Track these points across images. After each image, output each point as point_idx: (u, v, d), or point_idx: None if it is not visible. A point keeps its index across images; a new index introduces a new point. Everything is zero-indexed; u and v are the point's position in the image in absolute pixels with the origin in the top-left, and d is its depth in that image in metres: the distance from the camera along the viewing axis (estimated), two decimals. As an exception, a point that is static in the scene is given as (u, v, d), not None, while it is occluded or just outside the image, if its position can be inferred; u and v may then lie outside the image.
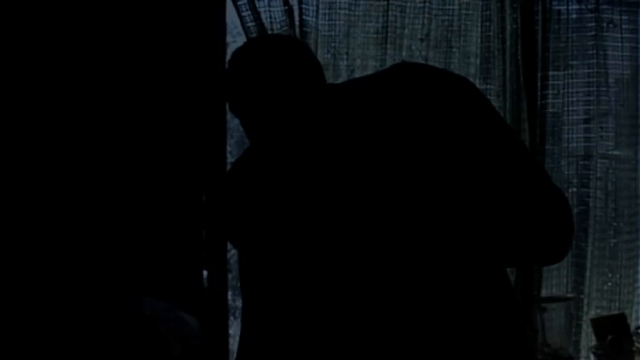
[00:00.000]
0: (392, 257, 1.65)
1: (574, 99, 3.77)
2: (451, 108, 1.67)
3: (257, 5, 3.21)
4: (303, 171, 1.71)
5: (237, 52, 1.82)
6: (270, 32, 3.19)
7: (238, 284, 3.45)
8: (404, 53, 3.48)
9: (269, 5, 3.22)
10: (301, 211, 1.70)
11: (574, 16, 3.79)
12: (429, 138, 1.65)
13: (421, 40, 3.51)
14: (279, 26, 3.21)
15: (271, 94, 1.73)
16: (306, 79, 1.75)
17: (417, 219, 1.65)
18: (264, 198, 1.73)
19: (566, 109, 3.76)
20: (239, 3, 3.19)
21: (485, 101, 1.74)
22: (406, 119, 1.67)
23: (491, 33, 3.63)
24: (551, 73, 3.74)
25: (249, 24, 3.19)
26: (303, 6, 3.27)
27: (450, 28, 3.56)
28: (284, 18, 3.22)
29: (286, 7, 3.23)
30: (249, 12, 3.19)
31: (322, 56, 3.30)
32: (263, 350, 1.77)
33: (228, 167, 1.89)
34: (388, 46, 3.43)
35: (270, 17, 3.22)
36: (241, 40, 3.26)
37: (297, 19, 3.24)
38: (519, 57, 3.67)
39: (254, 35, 3.18)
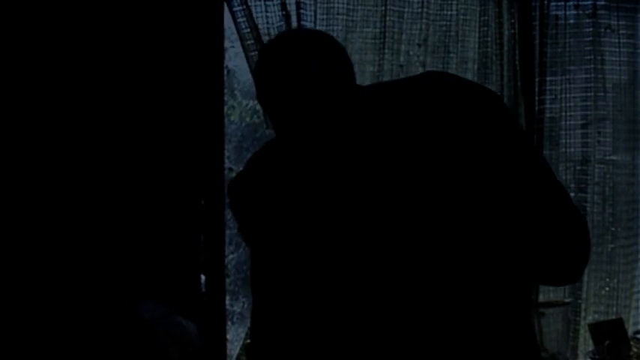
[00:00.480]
0: (407, 265, 1.65)
1: (571, 104, 3.78)
2: (479, 122, 1.66)
3: (254, 11, 3.20)
4: (324, 172, 1.70)
5: (271, 43, 1.80)
6: (267, 38, 3.19)
7: (236, 289, 3.46)
8: (401, 58, 3.48)
9: (266, 11, 3.21)
10: (319, 213, 1.68)
11: (571, 21, 3.80)
12: (454, 151, 1.64)
13: (419, 45, 3.52)
14: (276, 31, 3.20)
15: (302, 89, 1.69)
16: (338, 77, 1.71)
17: (436, 230, 1.64)
18: (282, 195, 1.72)
19: (563, 114, 3.77)
20: (235, 9, 3.18)
21: (511, 117, 1.73)
22: (433, 130, 1.65)
23: (489, 38, 3.63)
24: (548, 78, 3.74)
25: (245, 30, 3.19)
26: (301, 11, 3.26)
27: (447, 34, 3.57)
28: (281, 23, 3.22)
29: (284, 12, 3.23)
30: (245, 18, 3.18)
31: (320, 61, 3.29)
32: (273, 349, 1.76)
33: (249, 158, 1.86)
34: (386, 51, 3.44)
35: (268, 23, 3.22)
36: (239, 45, 3.26)
37: (294, 24, 3.24)
38: (517, 62, 3.68)
39: (250, 42, 3.18)
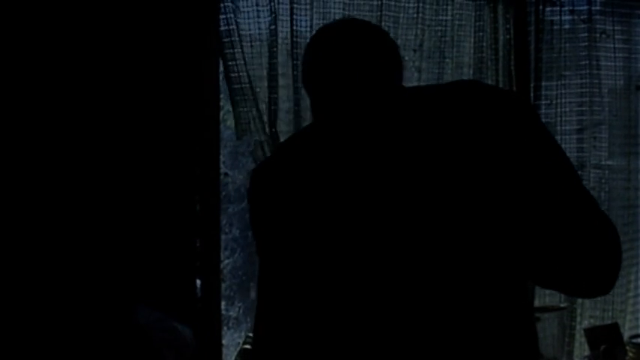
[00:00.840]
0: (418, 272, 1.64)
1: (567, 109, 3.78)
2: (513, 133, 1.65)
3: (246, 16, 3.18)
4: (347, 170, 1.68)
5: (326, 28, 1.79)
6: (258, 44, 3.19)
7: (232, 294, 3.46)
8: (397, 64, 3.48)
9: (258, 16, 3.21)
10: (336, 213, 1.67)
11: (567, 26, 3.81)
12: (487, 160, 1.63)
13: (414, 50, 3.52)
14: (267, 36, 3.20)
15: (346, 79, 1.68)
16: (384, 74, 1.70)
17: (454, 236, 1.63)
18: (300, 192, 1.70)
19: (559, 119, 3.78)
20: (221, 17, 3.16)
21: (543, 125, 1.73)
22: (468, 140, 1.64)
23: (484, 43, 3.64)
24: (544, 83, 3.75)
25: (226, 39, 3.17)
26: (295, 17, 3.26)
27: (442, 39, 3.57)
28: (273, 28, 3.21)
29: (274, 15, 3.22)
30: (227, 27, 3.16)
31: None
32: (276, 351, 1.76)
33: (275, 147, 1.84)
34: (381, 56, 3.44)
35: (259, 28, 3.21)
36: (235, 51, 3.25)
37: (288, 29, 3.24)
38: (512, 67, 3.68)
39: (229, 51, 3.17)
